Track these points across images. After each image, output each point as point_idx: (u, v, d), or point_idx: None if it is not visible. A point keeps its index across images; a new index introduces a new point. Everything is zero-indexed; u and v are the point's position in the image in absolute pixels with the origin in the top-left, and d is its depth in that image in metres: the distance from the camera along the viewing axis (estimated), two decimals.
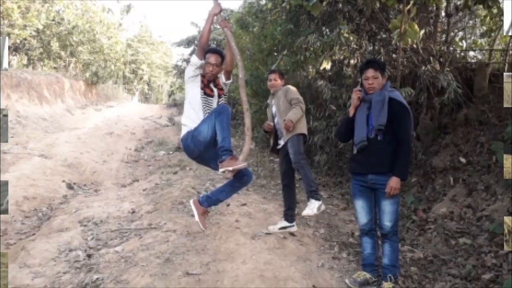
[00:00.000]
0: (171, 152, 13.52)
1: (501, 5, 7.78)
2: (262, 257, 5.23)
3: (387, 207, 4.71)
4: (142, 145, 15.48)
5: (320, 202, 5.67)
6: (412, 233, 6.76)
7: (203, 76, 5.48)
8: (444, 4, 9.98)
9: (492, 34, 10.34)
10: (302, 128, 6.09)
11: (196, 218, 5.35)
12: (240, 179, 5.41)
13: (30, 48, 24.12)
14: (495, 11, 8.98)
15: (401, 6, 7.88)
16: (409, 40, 7.81)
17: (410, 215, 7.25)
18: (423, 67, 9.07)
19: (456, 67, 9.12)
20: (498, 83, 8.29)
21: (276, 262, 5.14)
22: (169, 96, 43.30)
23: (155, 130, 18.78)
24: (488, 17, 9.87)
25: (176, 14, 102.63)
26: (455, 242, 6.07)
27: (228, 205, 7.23)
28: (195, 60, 5.39)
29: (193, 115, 5.38)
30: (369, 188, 4.87)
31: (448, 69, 8.80)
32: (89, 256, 5.47)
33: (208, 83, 5.48)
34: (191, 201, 5.52)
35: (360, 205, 4.96)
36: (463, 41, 10.75)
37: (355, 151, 4.95)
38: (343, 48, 9.98)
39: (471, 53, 10.94)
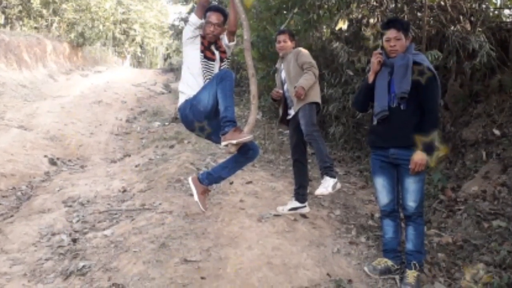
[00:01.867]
0: (167, 123, 13.53)
1: None
2: (269, 242, 5.23)
3: (411, 186, 4.69)
4: (134, 115, 15.50)
5: (335, 180, 5.61)
6: (440, 214, 6.73)
7: (203, 37, 5.40)
8: None
9: None
10: (315, 96, 6.03)
11: (195, 197, 5.30)
12: (245, 154, 5.35)
13: (7, 5, 24.02)
14: None
15: None
16: None
17: (437, 195, 7.21)
18: (452, 27, 8.93)
19: (489, 27, 8.96)
20: None
21: (285, 248, 5.14)
22: (165, 60, 43.33)
23: (149, 98, 18.79)
24: None
25: None
26: (488, 225, 6.03)
27: (231, 183, 7.22)
28: (194, 19, 5.30)
29: (192, 82, 5.32)
30: (391, 163, 4.84)
31: (480, 29, 8.65)
32: (74, 240, 5.48)
33: (209, 46, 5.41)
34: (190, 179, 5.47)
35: (380, 183, 4.94)
36: None
37: (375, 122, 4.92)
38: (361, 5, 9.86)
39: (506, 11, 10.73)
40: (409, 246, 4.75)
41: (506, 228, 5.85)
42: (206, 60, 5.34)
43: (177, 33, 26.84)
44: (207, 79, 5.24)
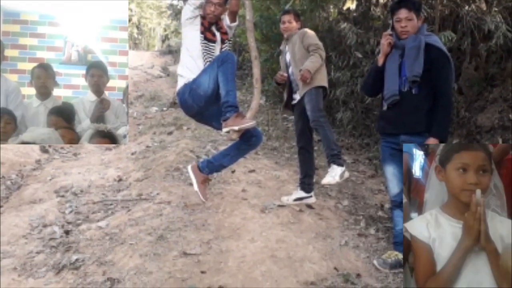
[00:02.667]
0: (165, 109, 13.52)
1: None
2: (273, 234, 5.21)
3: None
4: (130, 100, 15.43)
5: (343, 168, 5.59)
6: None
7: (203, 17, 5.33)
8: None
9: None
10: (322, 80, 6.00)
11: (195, 187, 5.30)
12: (247, 141, 5.33)
13: None
14: None
15: None
16: None
17: None
18: (466, 7, 8.87)
19: (506, 7, 8.89)
20: None
21: (290, 240, 5.11)
22: (163, 41, 43.18)
23: (146, 82, 18.75)
24: None
25: None
26: None
27: (233, 171, 7.21)
28: None
29: (191, 64, 5.28)
30: (401, 151, 4.81)
31: (496, 9, 8.59)
32: (67, 232, 5.46)
33: (209, 26, 5.35)
34: (189, 167, 5.47)
35: (391, 172, 4.89)
36: None
37: (385, 107, 4.87)
38: None
39: None
40: None
41: None
42: (206, 41, 5.28)
43: (176, 13, 26.67)
44: (207, 61, 5.19)
